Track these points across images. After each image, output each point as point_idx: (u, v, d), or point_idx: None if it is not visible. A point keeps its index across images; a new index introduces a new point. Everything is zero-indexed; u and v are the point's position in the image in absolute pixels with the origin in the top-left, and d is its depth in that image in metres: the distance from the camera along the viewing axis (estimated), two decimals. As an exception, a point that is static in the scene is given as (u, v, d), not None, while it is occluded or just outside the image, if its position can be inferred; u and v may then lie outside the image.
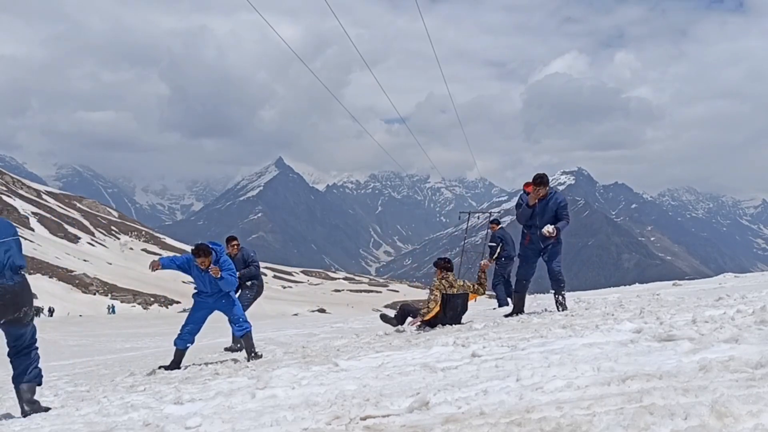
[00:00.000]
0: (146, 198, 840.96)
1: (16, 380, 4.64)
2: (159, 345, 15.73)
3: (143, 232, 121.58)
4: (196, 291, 7.04)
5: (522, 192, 8.37)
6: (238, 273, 8.55)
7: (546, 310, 8.06)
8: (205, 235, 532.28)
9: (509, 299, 10.27)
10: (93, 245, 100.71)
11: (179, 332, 6.93)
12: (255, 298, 9.19)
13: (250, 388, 3.92)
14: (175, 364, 6.90)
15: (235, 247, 9.08)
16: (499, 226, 11.59)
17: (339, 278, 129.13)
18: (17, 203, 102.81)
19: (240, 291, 8.88)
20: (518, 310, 7.90)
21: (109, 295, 67.94)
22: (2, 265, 4.50)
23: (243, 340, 7.05)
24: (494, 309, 11.01)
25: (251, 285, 9.12)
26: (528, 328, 5.86)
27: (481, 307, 13.39)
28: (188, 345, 6.98)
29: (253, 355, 6.91)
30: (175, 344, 7.01)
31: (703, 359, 3.05)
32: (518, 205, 7.98)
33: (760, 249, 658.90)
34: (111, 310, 56.69)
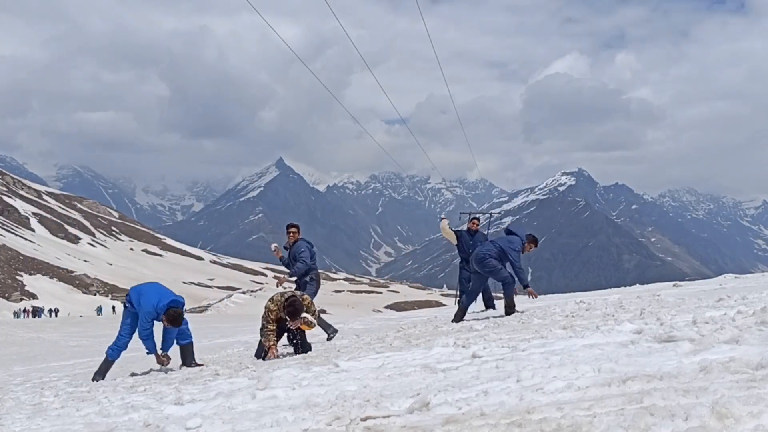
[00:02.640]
0: (147, 198, 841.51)
1: None
2: (159, 345, 15.72)
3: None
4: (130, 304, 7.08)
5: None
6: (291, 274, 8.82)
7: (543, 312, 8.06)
8: (206, 236, 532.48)
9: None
10: (93, 246, 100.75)
11: (116, 341, 7.03)
12: (316, 293, 8.70)
13: (250, 388, 3.92)
14: (101, 375, 6.98)
15: (292, 235, 8.68)
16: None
17: (339, 279, 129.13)
18: (18, 204, 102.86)
19: (300, 287, 8.55)
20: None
21: (110, 295, 67.98)
22: None
23: (185, 348, 7.18)
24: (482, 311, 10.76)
25: (310, 280, 8.69)
26: (528, 329, 5.86)
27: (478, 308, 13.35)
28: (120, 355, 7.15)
29: (193, 363, 7.06)
30: (108, 354, 7.07)
31: (703, 360, 3.05)
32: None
33: (761, 250, 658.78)
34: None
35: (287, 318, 6.69)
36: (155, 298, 6.84)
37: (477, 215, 12.30)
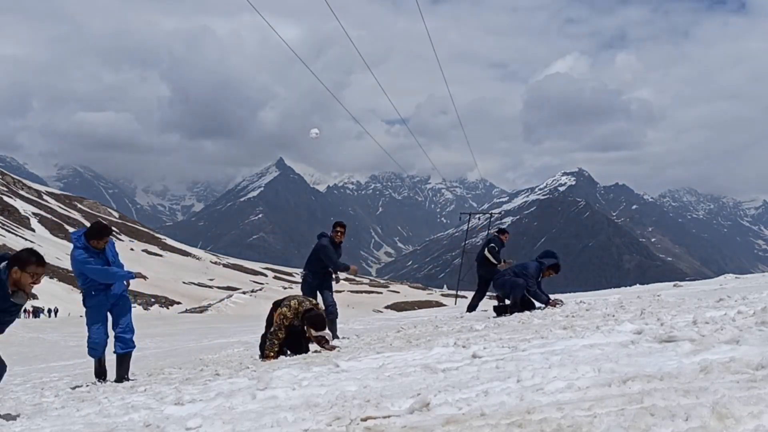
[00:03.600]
0: (147, 199, 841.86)
1: None
2: (159, 346, 15.73)
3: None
4: (86, 291, 6.24)
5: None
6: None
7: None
8: (206, 236, 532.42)
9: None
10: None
11: (89, 344, 6.29)
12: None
13: (250, 389, 3.92)
14: (103, 374, 6.43)
15: (340, 234, 8.77)
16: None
17: (339, 279, 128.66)
18: (18, 204, 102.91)
19: (328, 282, 8.83)
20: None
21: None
22: None
23: (122, 358, 6.36)
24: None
25: (336, 277, 9.04)
26: (529, 329, 5.86)
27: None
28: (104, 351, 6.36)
29: (125, 378, 6.29)
30: (91, 355, 6.39)
31: (703, 360, 3.04)
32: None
33: (761, 250, 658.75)
34: None
35: (311, 329, 6.51)
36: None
37: (506, 227, 12.41)
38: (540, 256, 9.37)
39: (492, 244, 10.83)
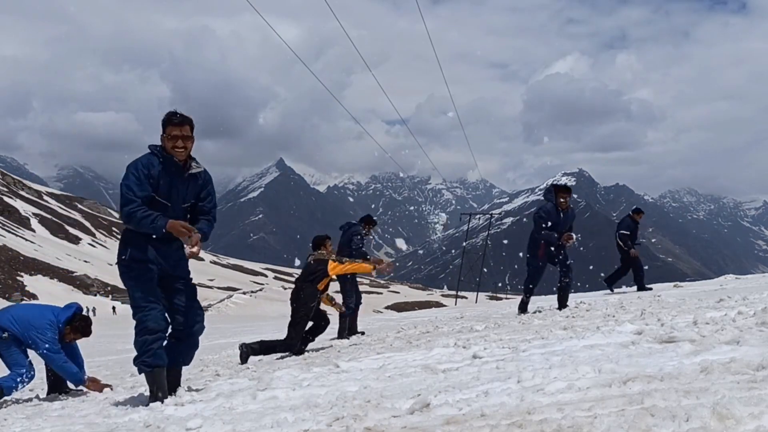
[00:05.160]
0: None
1: None
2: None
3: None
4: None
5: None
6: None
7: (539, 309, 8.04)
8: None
9: None
10: (94, 246, 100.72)
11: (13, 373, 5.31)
12: None
13: (251, 389, 3.92)
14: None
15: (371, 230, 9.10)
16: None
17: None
18: (18, 204, 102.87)
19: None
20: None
21: (110, 296, 68.01)
22: None
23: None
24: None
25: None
26: (529, 329, 5.86)
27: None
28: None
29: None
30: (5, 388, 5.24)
31: (704, 361, 3.04)
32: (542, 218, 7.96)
33: (761, 250, 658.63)
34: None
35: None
36: (47, 309, 5.44)
37: (638, 207, 12.79)
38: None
39: (622, 231, 11.64)
